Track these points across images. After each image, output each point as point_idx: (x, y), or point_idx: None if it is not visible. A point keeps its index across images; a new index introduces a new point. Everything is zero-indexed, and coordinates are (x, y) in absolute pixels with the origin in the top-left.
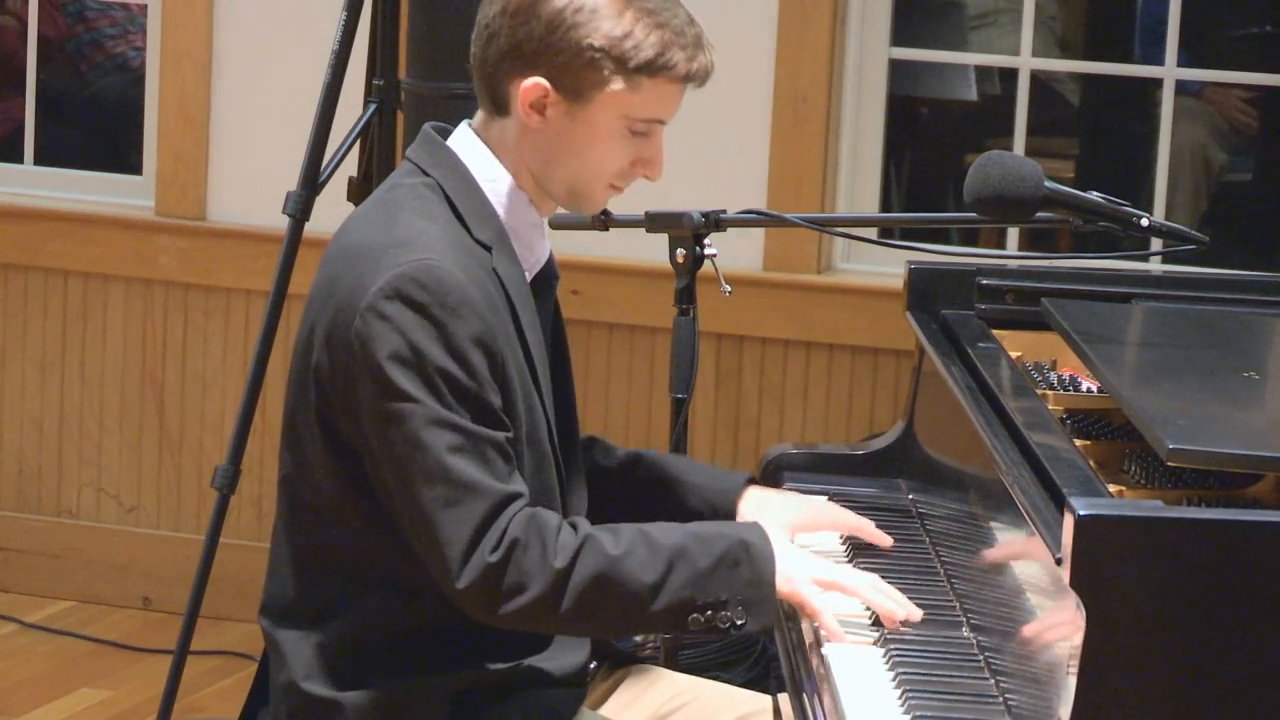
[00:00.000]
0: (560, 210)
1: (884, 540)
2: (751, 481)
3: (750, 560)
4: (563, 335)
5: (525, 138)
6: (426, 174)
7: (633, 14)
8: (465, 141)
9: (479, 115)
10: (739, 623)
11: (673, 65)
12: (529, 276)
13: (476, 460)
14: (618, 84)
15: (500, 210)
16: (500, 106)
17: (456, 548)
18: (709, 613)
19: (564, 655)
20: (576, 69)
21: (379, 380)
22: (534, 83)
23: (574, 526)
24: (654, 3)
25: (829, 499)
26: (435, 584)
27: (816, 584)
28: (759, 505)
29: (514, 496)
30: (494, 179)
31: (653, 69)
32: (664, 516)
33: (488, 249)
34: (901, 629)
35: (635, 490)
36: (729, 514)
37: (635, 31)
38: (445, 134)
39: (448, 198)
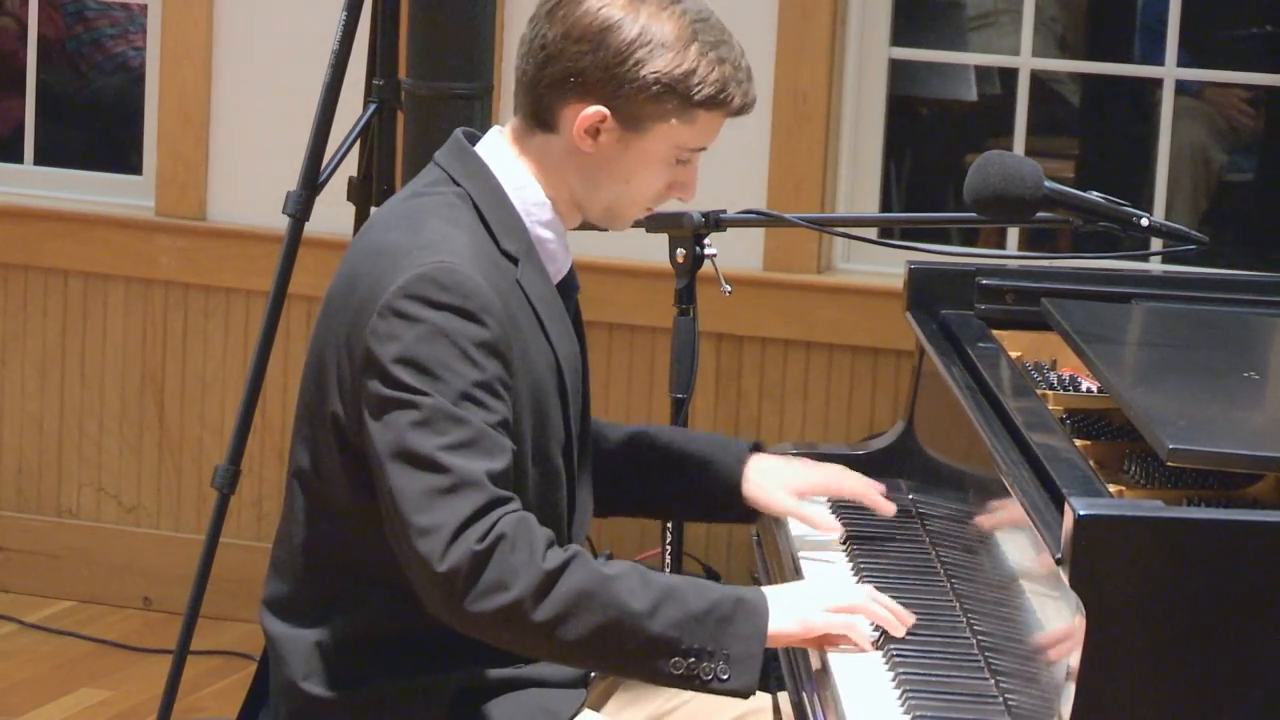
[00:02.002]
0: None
1: (888, 508)
2: (756, 449)
3: (745, 616)
4: (583, 346)
5: (571, 158)
6: (457, 183)
7: (697, 49)
8: (496, 150)
9: (513, 124)
10: (723, 677)
11: (730, 101)
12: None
13: (475, 456)
14: (676, 117)
15: (527, 221)
16: (546, 124)
17: (441, 535)
18: (692, 660)
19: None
20: (639, 102)
21: (384, 373)
22: (594, 110)
23: (564, 548)
24: (714, 35)
25: (830, 500)
26: None
27: (828, 612)
28: (764, 471)
29: (508, 499)
30: (524, 189)
31: (712, 104)
32: (667, 488)
33: (514, 261)
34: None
35: (638, 465)
36: (735, 482)
37: (700, 68)
38: (474, 139)
39: (477, 209)
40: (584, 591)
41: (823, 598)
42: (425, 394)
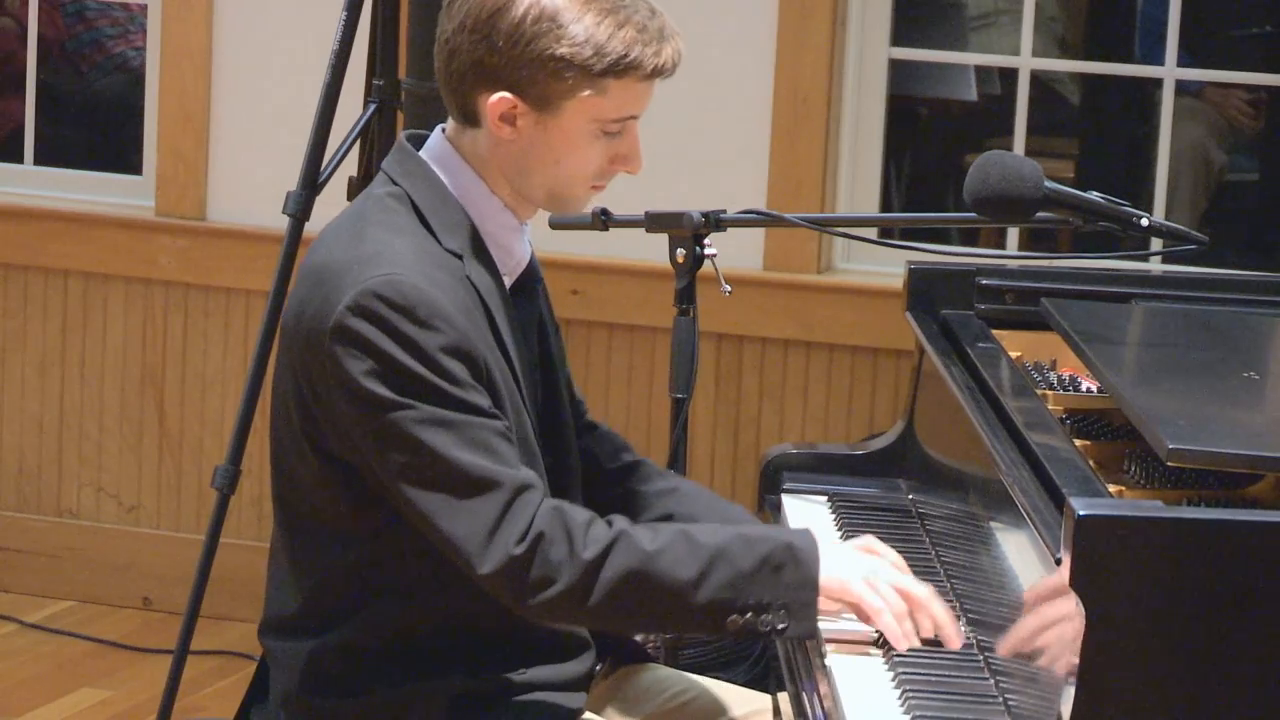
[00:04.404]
0: (550, 214)
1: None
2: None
3: (795, 564)
4: (548, 336)
5: (498, 148)
6: (395, 183)
7: (593, 15)
8: (437, 149)
9: (449, 125)
10: (780, 626)
11: (639, 64)
12: (509, 281)
13: (480, 451)
14: (585, 90)
15: (474, 216)
16: (469, 119)
17: (474, 539)
18: (749, 615)
19: (568, 665)
20: (541, 81)
21: (361, 398)
22: (500, 97)
23: (609, 522)
24: (612, 1)
25: (829, 500)
26: (435, 589)
27: (868, 584)
28: None
29: (527, 484)
30: (466, 186)
31: (619, 70)
32: None
33: (458, 257)
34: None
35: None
36: None
37: (597, 34)
38: (420, 141)
39: (416, 208)
40: (630, 572)
41: (874, 570)
42: (407, 406)
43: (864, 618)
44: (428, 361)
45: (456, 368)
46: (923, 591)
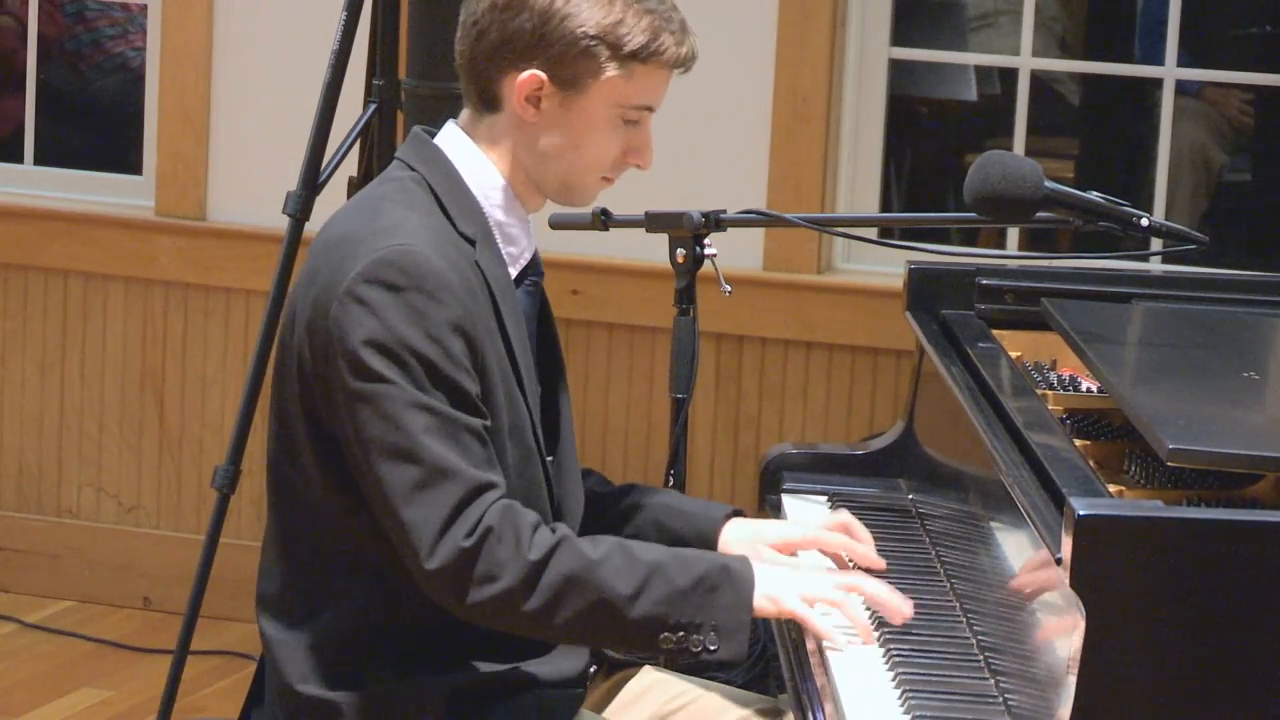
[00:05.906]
0: (553, 208)
1: (877, 563)
2: (738, 514)
3: (730, 586)
4: (551, 336)
5: (519, 131)
6: (413, 169)
7: (622, 1)
8: (452, 138)
9: (465, 114)
10: (711, 648)
11: (664, 50)
12: (513, 273)
13: (451, 444)
14: (612, 71)
15: (485, 205)
16: (490, 103)
17: (428, 530)
18: (681, 634)
19: (563, 661)
20: (571, 58)
21: (353, 362)
22: (529, 75)
23: (552, 529)
24: None
25: (829, 500)
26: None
27: (804, 600)
28: (741, 531)
29: (489, 484)
30: (479, 173)
31: (645, 55)
32: (650, 539)
33: (471, 242)
34: (901, 627)
35: (624, 515)
36: (711, 539)
37: (626, 18)
38: (434, 135)
39: (433, 191)
40: (570, 578)
41: (804, 584)
42: (393, 382)
43: (808, 631)
44: (428, 334)
45: (455, 345)
46: (853, 582)
